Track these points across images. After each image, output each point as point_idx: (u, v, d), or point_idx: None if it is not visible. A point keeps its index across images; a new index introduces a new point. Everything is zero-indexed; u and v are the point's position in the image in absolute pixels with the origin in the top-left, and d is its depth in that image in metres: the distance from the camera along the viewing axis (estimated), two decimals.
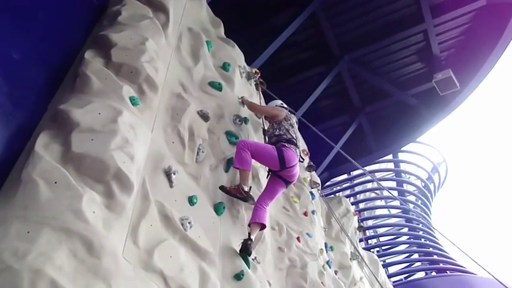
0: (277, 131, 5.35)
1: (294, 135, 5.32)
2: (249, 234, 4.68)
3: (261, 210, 4.89)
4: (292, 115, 5.78)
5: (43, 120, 3.55)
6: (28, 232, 2.63)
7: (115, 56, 4.09)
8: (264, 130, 5.87)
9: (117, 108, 3.62)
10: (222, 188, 4.70)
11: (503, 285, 5.18)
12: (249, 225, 4.83)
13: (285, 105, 5.94)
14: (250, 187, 4.93)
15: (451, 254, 20.17)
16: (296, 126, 5.59)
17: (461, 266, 19.14)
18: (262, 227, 4.87)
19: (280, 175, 5.15)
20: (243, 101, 5.79)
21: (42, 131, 3.32)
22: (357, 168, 18.20)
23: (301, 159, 5.37)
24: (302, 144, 7.37)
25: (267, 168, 5.35)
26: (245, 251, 4.51)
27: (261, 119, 6.19)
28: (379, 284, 9.44)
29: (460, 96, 12.36)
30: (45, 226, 2.69)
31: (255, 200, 5.10)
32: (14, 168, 3.13)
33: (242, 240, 4.58)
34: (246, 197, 4.77)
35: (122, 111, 3.62)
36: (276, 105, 5.91)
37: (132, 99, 3.87)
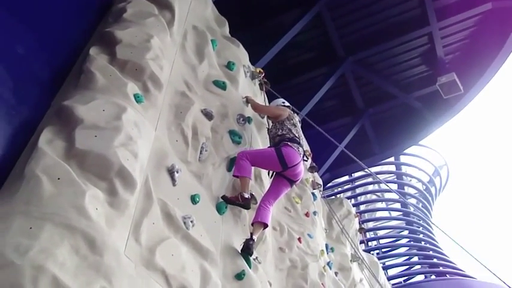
0: (280, 130, 5.35)
1: (296, 134, 5.31)
2: (251, 234, 4.67)
3: (264, 209, 4.88)
4: (295, 114, 5.76)
5: (47, 116, 3.54)
6: (30, 228, 2.62)
7: (120, 53, 4.08)
8: (268, 130, 5.87)
9: (121, 105, 3.61)
10: (223, 197, 4.68)
11: (508, 286, 5.14)
12: (252, 224, 4.82)
13: (287, 104, 5.93)
14: (251, 194, 4.92)
15: (451, 258, 20.16)
16: (299, 125, 5.58)
17: (461, 270, 19.11)
18: (265, 226, 4.85)
19: (284, 175, 5.13)
20: (247, 100, 5.78)
21: (45, 126, 3.31)
22: (359, 170, 18.24)
23: (305, 158, 5.32)
24: (305, 144, 7.36)
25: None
26: (247, 250, 4.50)
27: (265, 119, 6.18)
28: (380, 285, 9.43)
29: (464, 99, 12.34)
30: (47, 222, 2.68)
31: (257, 200, 5.11)
32: (16, 164, 3.12)
33: (244, 240, 4.57)
34: (245, 204, 4.71)
35: (126, 108, 3.61)
36: (278, 104, 5.91)
37: (136, 96, 3.86)
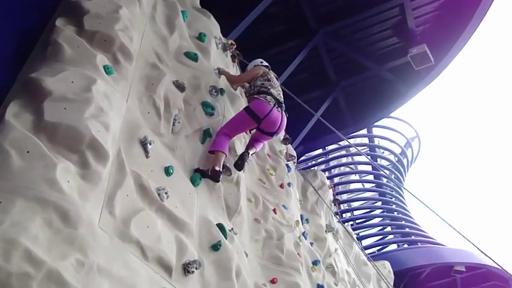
0: (253, 88, 5.39)
1: (268, 87, 5.28)
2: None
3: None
4: (271, 71, 5.74)
5: (13, 90, 3.43)
6: (0, 202, 2.57)
7: (88, 23, 3.97)
8: (245, 93, 5.90)
9: (91, 77, 3.54)
10: (197, 170, 4.66)
11: (479, 249, 5.28)
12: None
13: (265, 63, 5.94)
14: (225, 166, 4.93)
15: (423, 227, 20.68)
16: (275, 79, 5.55)
17: (432, 238, 19.64)
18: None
19: (263, 130, 5.20)
20: (220, 72, 5.73)
21: (12, 100, 3.21)
22: (332, 143, 18.41)
23: (279, 103, 5.26)
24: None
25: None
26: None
27: (237, 91, 6.16)
28: (358, 246, 9.61)
29: (435, 71, 12.51)
30: (18, 196, 2.64)
31: (232, 172, 5.12)
32: None
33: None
34: (214, 177, 4.68)
35: (96, 80, 3.53)
36: (256, 64, 5.89)
37: (106, 68, 3.78)
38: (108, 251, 2.95)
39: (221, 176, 4.77)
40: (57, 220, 2.71)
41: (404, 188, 16.60)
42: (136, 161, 3.70)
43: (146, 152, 3.85)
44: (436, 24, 12.21)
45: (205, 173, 4.67)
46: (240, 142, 5.69)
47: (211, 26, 6.15)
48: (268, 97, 5.14)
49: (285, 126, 5.35)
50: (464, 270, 16.86)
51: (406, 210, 21.51)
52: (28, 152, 2.87)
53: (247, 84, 5.77)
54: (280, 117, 5.16)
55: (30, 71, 3.49)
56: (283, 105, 5.30)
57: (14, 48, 3.73)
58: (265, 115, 5.04)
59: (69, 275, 2.57)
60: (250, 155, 5.28)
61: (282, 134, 7.50)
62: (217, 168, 4.68)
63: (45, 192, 2.75)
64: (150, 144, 3.88)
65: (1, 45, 3.59)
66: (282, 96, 5.42)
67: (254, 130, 5.37)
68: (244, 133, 5.76)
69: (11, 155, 2.80)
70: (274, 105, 5.11)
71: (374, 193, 22.82)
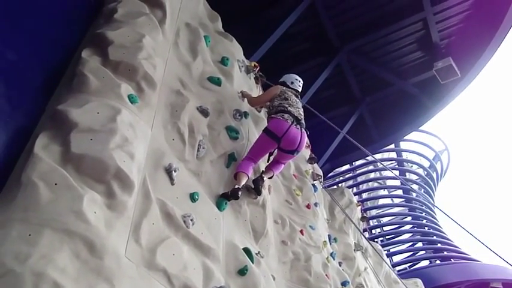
0: (271, 108, 5.44)
1: (285, 105, 5.31)
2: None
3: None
4: (289, 89, 5.72)
5: (41, 121, 3.52)
6: (29, 235, 2.61)
7: (112, 54, 4.05)
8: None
9: (116, 107, 3.60)
10: (221, 195, 4.66)
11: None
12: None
13: (299, 79, 5.99)
14: (248, 187, 4.97)
15: (455, 242, 20.19)
16: (293, 97, 5.55)
17: (466, 254, 19.15)
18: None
19: (283, 149, 5.20)
20: (243, 95, 5.76)
21: (40, 132, 3.29)
22: (359, 159, 18.24)
23: (298, 120, 5.27)
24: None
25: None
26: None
27: (261, 113, 6.17)
28: (388, 265, 9.42)
29: (461, 84, 12.31)
30: (46, 228, 2.67)
31: (257, 196, 5.12)
32: (13, 171, 3.10)
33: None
34: (232, 193, 4.63)
35: (121, 110, 3.59)
36: (292, 81, 5.93)
37: (130, 97, 3.84)
38: (135, 281, 2.96)
39: (240, 193, 4.72)
40: (84, 251, 2.73)
41: (435, 206, 16.24)
42: (161, 188, 3.72)
43: (171, 179, 3.88)
44: (461, 36, 12.04)
45: (226, 194, 4.66)
46: (264, 164, 5.69)
47: (234, 49, 6.21)
48: (286, 115, 5.17)
49: (305, 144, 5.35)
50: (501, 287, 16.36)
51: (438, 224, 21.06)
52: (56, 184, 2.91)
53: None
54: (299, 134, 5.16)
55: (57, 102, 3.57)
56: (303, 122, 5.31)
57: (42, 80, 3.82)
58: (284, 133, 5.06)
59: None
60: (264, 179, 5.25)
61: (307, 154, 7.47)
62: (236, 186, 4.70)
63: (72, 223, 2.77)
64: (175, 171, 3.91)
65: (30, 78, 3.69)
66: (301, 113, 5.43)
67: (275, 152, 5.38)
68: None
69: (39, 188, 2.85)
70: (292, 122, 5.13)
71: (403, 208, 22.44)
